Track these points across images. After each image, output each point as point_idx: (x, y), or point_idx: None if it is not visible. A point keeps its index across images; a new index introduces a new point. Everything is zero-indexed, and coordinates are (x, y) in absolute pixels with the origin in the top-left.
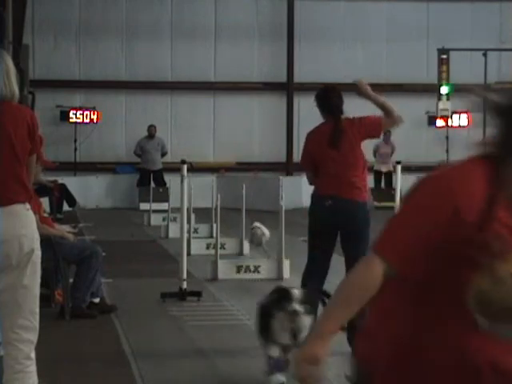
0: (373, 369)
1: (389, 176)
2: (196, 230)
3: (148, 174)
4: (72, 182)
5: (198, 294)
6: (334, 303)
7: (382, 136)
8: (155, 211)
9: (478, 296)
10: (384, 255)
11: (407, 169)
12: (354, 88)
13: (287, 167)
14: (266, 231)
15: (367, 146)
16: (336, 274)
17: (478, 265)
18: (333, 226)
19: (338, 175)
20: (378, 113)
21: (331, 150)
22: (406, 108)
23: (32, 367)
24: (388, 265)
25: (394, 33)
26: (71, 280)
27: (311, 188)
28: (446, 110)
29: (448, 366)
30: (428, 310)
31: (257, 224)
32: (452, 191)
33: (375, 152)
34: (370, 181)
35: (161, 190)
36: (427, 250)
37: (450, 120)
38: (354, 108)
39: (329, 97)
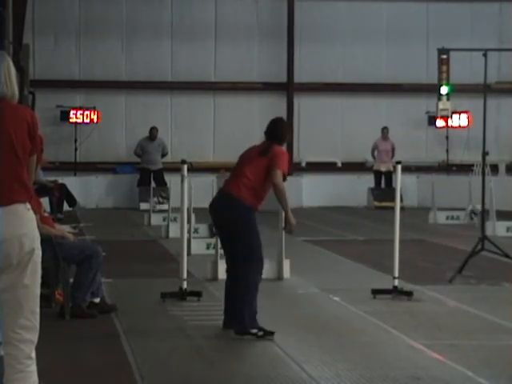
0: None
1: (389, 176)
2: (196, 230)
3: (148, 173)
4: (72, 182)
5: (198, 293)
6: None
7: (380, 133)
8: (155, 211)
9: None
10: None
11: (407, 169)
12: (354, 88)
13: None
14: None
15: (368, 144)
16: (329, 270)
17: None
18: (214, 220)
19: (232, 173)
20: (378, 112)
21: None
22: (406, 108)
23: (33, 367)
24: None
25: (394, 33)
26: (71, 280)
27: (311, 188)
28: (446, 110)
29: None
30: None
31: None
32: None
33: (374, 150)
34: (370, 181)
35: (162, 194)
36: None
37: (450, 120)
38: (353, 108)
39: (276, 128)
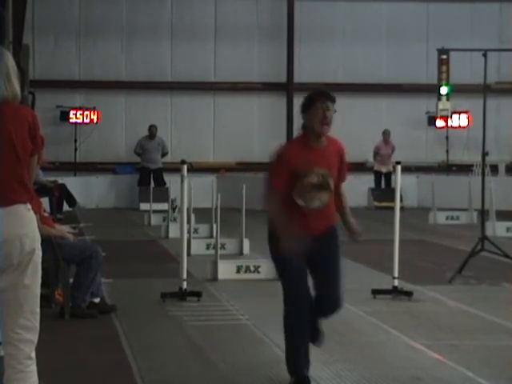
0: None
1: (389, 176)
2: (196, 230)
3: (148, 172)
4: (72, 182)
5: (198, 294)
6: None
7: (381, 135)
8: (155, 211)
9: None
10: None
11: (407, 169)
12: (354, 88)
13: None
14: None
15: (368, 145)
16: None
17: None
18: None
19: None
20: (378, 112)
21: None
22: (406, 108)
23: (33, 367)
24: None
25: (394, 33)
26: (71, 280)
27: None
28: (446, 110)
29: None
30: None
31: None
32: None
33: (375, 154)
34: (370, 181)
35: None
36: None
37: (449, 120)
38: (353, 108)
39: None
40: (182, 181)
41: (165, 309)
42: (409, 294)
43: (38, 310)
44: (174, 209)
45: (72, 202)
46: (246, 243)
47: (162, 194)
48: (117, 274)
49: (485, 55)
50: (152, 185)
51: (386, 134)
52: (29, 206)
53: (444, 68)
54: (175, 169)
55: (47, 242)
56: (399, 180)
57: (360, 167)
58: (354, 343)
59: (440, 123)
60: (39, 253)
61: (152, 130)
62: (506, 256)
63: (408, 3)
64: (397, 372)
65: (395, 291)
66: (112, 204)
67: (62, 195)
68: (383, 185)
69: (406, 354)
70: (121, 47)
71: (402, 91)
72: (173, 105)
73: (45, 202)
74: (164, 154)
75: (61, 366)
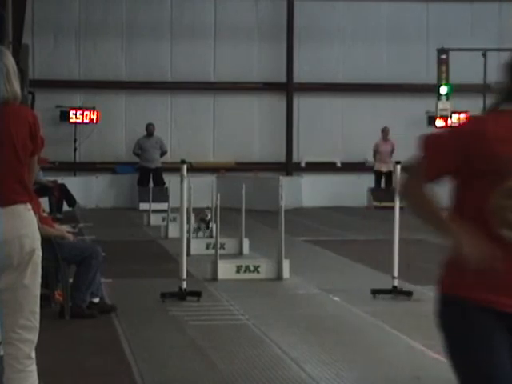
0: None
1: (389, 176)
2: (196, 230)
3: (148, 172)
4: (72, 182)
5: (197, 293)
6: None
7: (380, 133)
8: (155, 211)
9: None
10: None
11: (407, 169)
12: (354, 88)
13: (287, 167)
14: None
15: (368, 144)
16: (329, 270)
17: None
18: None
19: None
20: (378, 112)
21: None
22: (406, 108)
23: (32, 367)
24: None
25: (394, 33)
26: (71, 280)
27: (311, 188)
28: (446, 109)
29: None
30: None
31: None
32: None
33: (375, 152)
34: (370, 181)
35: (204, 218)
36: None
37: (449, 120)
38: (353, 108)
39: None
40: (182, 181)
41: (165, 309)
42: (409, 293)
43: (37, 309)
44: (207, 223)
45: (72, 201)
46: (246, 243)
47: (162, 194)
48: (116, 273)
49: (484, 55)
50: (151, 184)
51: (384, 132)
52: (29, 206)
53: (444, 68)
54: (175, 168)
55: (47, 242)
56: (399, 180)
57: (360, 167)
58: (354, 343)
59: (440, 123)
60: (39, 253)
61: (150, 128)
62: None
63: (408, 3)
64: (397, 372)
65: (395, 291)
66: (112, 204)
67: (61, 195)
68: (383, 184)
69: (405, 353)
70: (121, 47)
71: (401, 91)
72: (173, 105)
73: (44, 201)
74: (163, 153)
75: (61, 366)
